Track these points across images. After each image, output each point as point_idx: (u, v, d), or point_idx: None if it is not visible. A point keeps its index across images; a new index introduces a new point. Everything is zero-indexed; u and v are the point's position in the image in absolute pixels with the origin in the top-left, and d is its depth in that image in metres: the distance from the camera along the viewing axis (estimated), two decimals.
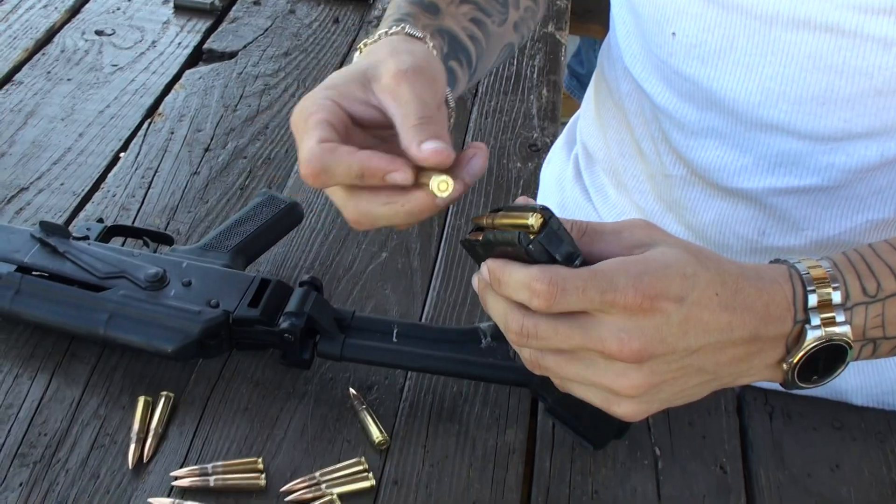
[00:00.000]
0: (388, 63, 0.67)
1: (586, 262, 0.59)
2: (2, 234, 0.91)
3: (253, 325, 0.83)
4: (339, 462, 0.79)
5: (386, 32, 0.73)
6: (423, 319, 0.95)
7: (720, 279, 0.59)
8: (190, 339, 0.82)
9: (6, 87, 1.25)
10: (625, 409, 0.61)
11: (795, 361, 0.62)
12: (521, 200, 0.62)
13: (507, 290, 0.59)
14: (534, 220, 0.57)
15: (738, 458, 0.84)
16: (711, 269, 0.59)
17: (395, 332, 0.85)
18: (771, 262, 0.65)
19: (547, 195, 1.06)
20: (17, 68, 1.29)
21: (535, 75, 1.34)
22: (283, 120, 1.22)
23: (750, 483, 0.82)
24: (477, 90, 1.30)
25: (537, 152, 1.18)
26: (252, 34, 1.39)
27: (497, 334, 0.85)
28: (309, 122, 0.64)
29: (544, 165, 1.11)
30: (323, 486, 0.77)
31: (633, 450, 0.83)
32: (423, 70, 0.67)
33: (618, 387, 0.59)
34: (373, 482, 0.78)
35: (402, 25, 0.74)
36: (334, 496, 0.76)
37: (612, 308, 0.56)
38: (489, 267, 0.60)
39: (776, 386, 0.88)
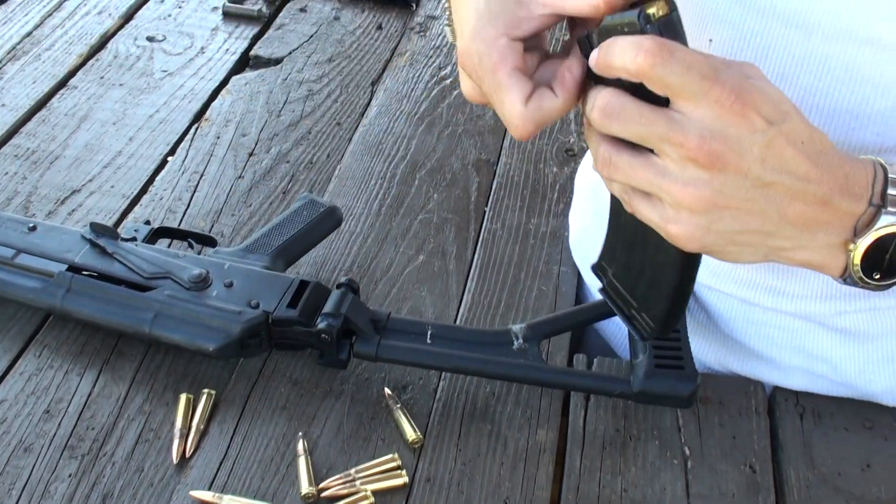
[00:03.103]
0: None
1: None
2: (54, 235, 0.95)
3: (291, 326, 0.86)
4: (373, 459, 0.82)
5: None
6: (457, 322, 0.97)
7: (810, 131, 0.60)
8: (231, 339, 0.85)
9: (61, 91, 1.30)
10: (681, 229, 0.62)
11: (863, 248, 0.63)
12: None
13: (612, 57, 0.59)
14: (657, 9, 0.58)
15: (768, 457, 0.84)
16: (805, 122, 0.60)
17: (429, 333, 0.87)
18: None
19: (580, 199, 1.08)
20: (72, 73, 1.33)
21: None
22: (326, 125, 1.25)
23: (780, 482, 0.83)
24: None
25: (574, 157, 1.20)
26: (297, 41, 1.42)
27: (529, 336, 0.87)
28: (499, 76, 0.64)
29: (579, 170, 1.12)
30: (358, 482, 0.79)
31: (663, 449, 0.84)
32: None
33: (683, 195, 0.60)
34: (406, 479, 0.80)
35: None
36: (368, 492, 0.78)
37: (706, 98, 0.57)
38: (598, 51, 0.60)
39: (807, 387, 0.90)
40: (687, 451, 0.85)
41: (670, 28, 0.58)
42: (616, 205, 0.72)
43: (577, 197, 1.10)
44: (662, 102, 0.59)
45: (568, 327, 0.92)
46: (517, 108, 0.64)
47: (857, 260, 0.63)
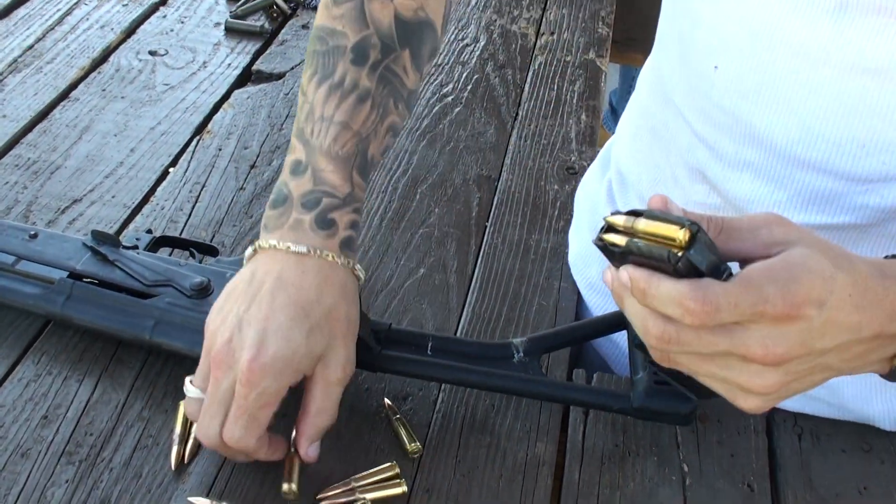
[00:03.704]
0: (335, 357, 0.79)
1: (730, 269, 0.60)
2: (56, 242, 0.95)
3: None
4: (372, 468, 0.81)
5: (312, 250, 0.79)
6: (458, 334, 0.97)
7: (852, 279, 0.61)
8: None
9: (63, 103, 1.30)
10: (751, 404, 0.64)
11: None
12: (658, 202, 0.62)
13: (655, 304, 0.59)
14: (682, 235, 0.57)
15: (766, 477, 0.84)
16: (845, 269, 0.60)
17: (430, 345, 0.87)
18: (886, 257, 0.67)
19: (580, 218, 1.08)
20: (73, 85, 1.34)
21: (574, 100, 1.36)
22: None
23: (777, 502, 0.83)
24: (517, 114, 1.33)
25: (574, 175, 1.20)
26: (299, 56, 1.43)
27: (530, 349, 0.87)
28: (260, 414, 0.75)
29: (579, 188, 1.13)
30: (356, 491, 0.79)
31: (662, 466, 0.84)
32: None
33: (751, 385, 0.62)
34: (405, 489, 0.80)
35: (327, 236, 0.81)
36: (367, 501, 0.78)
37: (760, 320, 0.58)
38: (631, 276, 0.59)
39: (805, 409, 0.90)
40: (685, 468, 0.85)
41: (701, 254, 0.58)
42: None
43: (577, 214, 1.10)
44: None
45: (569, 342, 0.92)
46: (261, 449, 0.78)
47: None
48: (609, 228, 0.61)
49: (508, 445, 0.85)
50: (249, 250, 0.81)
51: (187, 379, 0.79)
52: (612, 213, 0.60)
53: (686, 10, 0.83)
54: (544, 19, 1.57)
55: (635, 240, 0.58)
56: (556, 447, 0.86)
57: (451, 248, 1.08)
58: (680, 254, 0.57)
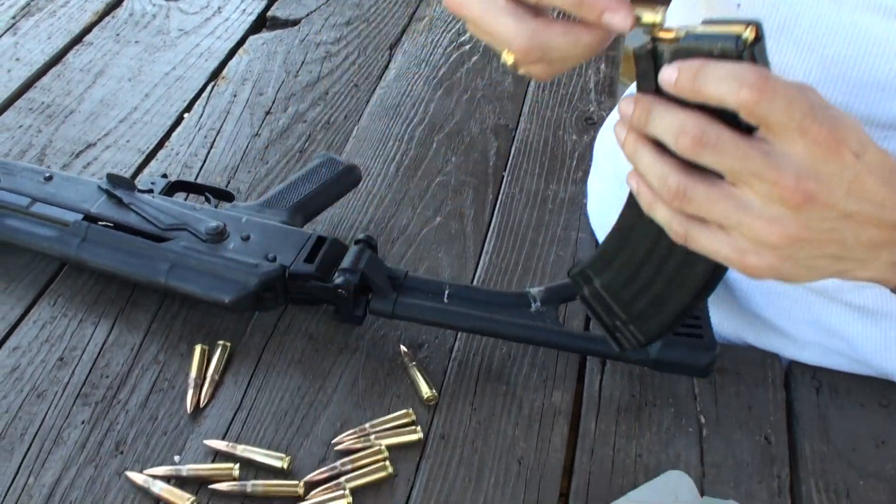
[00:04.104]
0: None
1: None
2: (70, 185, 0.94)
3: (308, 280, 0.86)
4: (388, 414, 0.81)
5: None
6: (474, 283, 0.96)
7: (882, 157, 0.59)
8: (247, 291, 0.84)
9: (76, 47, 1.29)
10: (760, 261, 0.60)
11: None
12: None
13: (706, 85, 0.56)
14: (748, 33, 0.54)
15: (784, 429, 0.84)
16: (876, 145, 0.59)
17: (446, 293, 0.86)
18: None
19: (599, 167, 1.07)
20: (87, 30, 1.32)
21: None
22: (343, 87, 1.24)
23: (794, 454, 0.82)
24: None
25: (593, 125, 1.19)
26: (315, 3, 1.41)
27: (546, 299, 0.87)
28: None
29: (598, 137, 1.11)
30: (372, 437, 0.79)
31: (678, 416, 0.84)
32: None
33: (766, 233, 0.58)
34: (420, 435, 0.80)
35: None
36: (383, 447, 0.78)
37: (804, 137, 0.56)
38: (681, 67, 0.56)
39: (823, 362, 0.89)
40: (702, 420, 0.84)
41: (763, 55, 0.55)
42: (628, 222, 0.68)
43: (595, 164, 1.09)
44: (746, 129, 0.57)
45: None
46: (512, 25, 0.62)
47: None
48: (651, 41, 0.57)
49: (524, 394, 0.85)
50: None
51: None
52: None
53: None
54: None
55: (694, 31, 0.55)
56: (572, 397, 0.85)
57: (468, 197, 1.07)
58: (752, 40, 0.54)
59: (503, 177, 1.11)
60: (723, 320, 0.94)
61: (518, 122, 1.20)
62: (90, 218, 0.91)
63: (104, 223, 0.91)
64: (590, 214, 1.05)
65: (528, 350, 0.88)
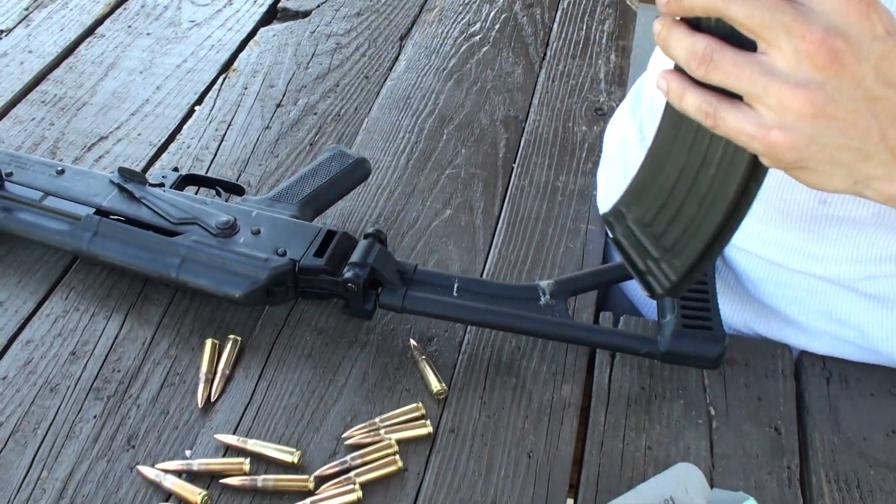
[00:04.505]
0: None
1: None
2: (82, 179, 0.95)
3: (318, 274, 0.86)
4: (398, 409, 0.82)
5: None
6: (483, 276, 0.96)
7: None
8: (257, 285, 0.85)
9: (88, 39, 1.29)
10: (785, 136, 0.59)
11: None
12: None
13: None
14: None
15: (794, 420, 0.84)
16: None
17: (455, 286, 0.87)
18: None
19: (610, 159, 1.07)
20: (99, 21, 1.33)
21: (603, 40, 1.34)
22: (354, 78, 1.24)
23: (804, 445, 0.82)
24: (545, 53, 1.31)
25: (603, 116, 1.18)
26: None
27: (556, 292, 0.87)
28: None
29: (608, 129, 1.11)
30: (382, 431, 0.79)
31: (688, 408, 0.84)
32: None
33: (794, 98, 0.57)
34: (430, 429, 0.80)
35: None
36: (392, 441, 0.78)
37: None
38: None
39: (834, 352, 0.89)
40: (712, 411, 0.84)
41: None
42: (660, 145, 0.68)
43: (605, 155, 1.09)
44: None
45: (595, 285, 0.91)
46: None
47: None
48: None
49: (534, 387, 0.85)
50: None
51: None
52: None
53: None
54: None
55: None
56: (581, 389, 0.85)
57: (478, 190, 1.07)
58: None
59: (513, 168, 1.10)
60: (733, 311, 0.94)
61: (528, 113, 1.20)
62: (102, 212, 0.91)
63: (116, 217, 0.91)
64: (599, 206, 1.05)
65: (538, 343, 0.89)
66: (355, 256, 0.86)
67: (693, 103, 0.61)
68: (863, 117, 0.58)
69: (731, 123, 0.60)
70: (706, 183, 0.66)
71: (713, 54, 0.59)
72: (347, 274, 0.85)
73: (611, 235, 0.74)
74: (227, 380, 0.84)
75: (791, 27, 0.56)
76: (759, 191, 0.65)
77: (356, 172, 0.99)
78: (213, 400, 0.82)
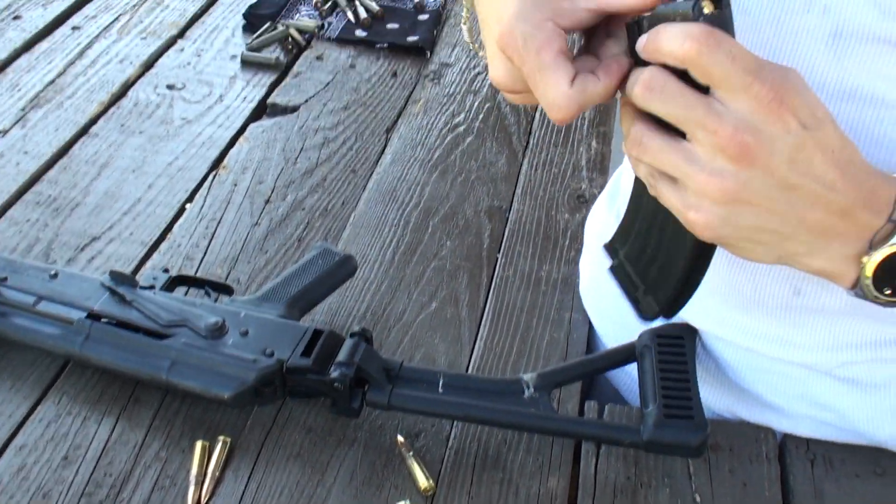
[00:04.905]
0: None
1: None
2: (75, 283, 0.97)
3: (305, 374, 0.88)
4: None
5: None
6: (470, 369, 0.98)
7: (843, 142, 0.62)
8: (246, 387, 0.86)
9: (83, 138, 1.32)
10: (701, 217, 0.63)
11: (877, 261, 0.64)
12: None
13: (662, 39, 0.60)
14: (710, 2, 0.59)
15: None
16: (839, 132, 0.62)
17: (441, 382, 0.88)
18: None
19: (590, 248, 1.09)
20: (93, 120, 1.36)
21: (584, 127, 1.37)
22: (341, 172, 1.27)
23: None
24: (528, 142, 1.34)
25: (585, 203, 1.21)
26: (314, 88, 1.45)
27: (540, 385, 0.88)
28: (544, 56, 0.64)
29: (588, 218, 1.14)
30: None
31: (674, 497, 0.85)
32: None
33: (707, 184, 0.61)
34: None
35: None
36: None
37: (746, 92, 0.58)
38: (650, 34, 0.61)
39: (816, 434, 0.90)
40: (698, 499, 0.85)
41: (721, 23, 0.60)
42: (639, 188, 0.74)
43: (586, 245, 1.11)
44: (704, 91, 0.60)
45: (579, 376, 0.93)
46: (562, 89, 0.64)
47: (869, 273, 0.65)
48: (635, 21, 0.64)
49: (521, 480, 0.86)
50: None
51: None
52: None
53: None
54: None
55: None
56: (568, 481, 0.87)
57: (463, 281, 1.09)
58: (704, 6, 0.59)
59: (497, 259, 1.13)
60: (715, 397, 0.95)
61: (512, 203, 1.22)
62: (93, 315, 0.93)
63: (107, 320, 0.93)
64: (582, 294, 1.07)
65: (524, 435, 0.90)
66: (342, 356, 0.87)
67: (642, 172, 0.67)
68: (779, 203, 0.62)
69: (665, 196, 0.66)
70: (671, 231, 0.71)
71: (642, 139, 0.64)
72: (334, 373, 0.86)
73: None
74: (218, 482, 0.85)
75: (703, 123, 0.60)
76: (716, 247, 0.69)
77: (342, 270, 1.01)
78: (203, 503, 0.83)
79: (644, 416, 0.86)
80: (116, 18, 1.62)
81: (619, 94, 0.67)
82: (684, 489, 0.86)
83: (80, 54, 1.52)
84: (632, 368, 1.01)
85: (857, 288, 0.66)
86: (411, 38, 1.55)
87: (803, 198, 0.62)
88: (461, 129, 1.36)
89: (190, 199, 1.22)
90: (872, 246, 0.64)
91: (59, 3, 1.65)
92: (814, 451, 0.90)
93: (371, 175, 1.27)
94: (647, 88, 0.62)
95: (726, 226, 0.63)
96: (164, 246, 1.13)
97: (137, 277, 0.98)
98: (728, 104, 0.59)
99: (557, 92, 0.65)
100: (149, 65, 1.50)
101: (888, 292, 0.65)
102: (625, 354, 0.92)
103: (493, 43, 0.69)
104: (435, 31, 1.59)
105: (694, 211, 0.63)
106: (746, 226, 0.63)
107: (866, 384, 0.89)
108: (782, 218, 0.63)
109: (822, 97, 0.73)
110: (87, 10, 1.64)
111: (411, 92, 1.45)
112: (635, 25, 0.65)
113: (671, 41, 0.60)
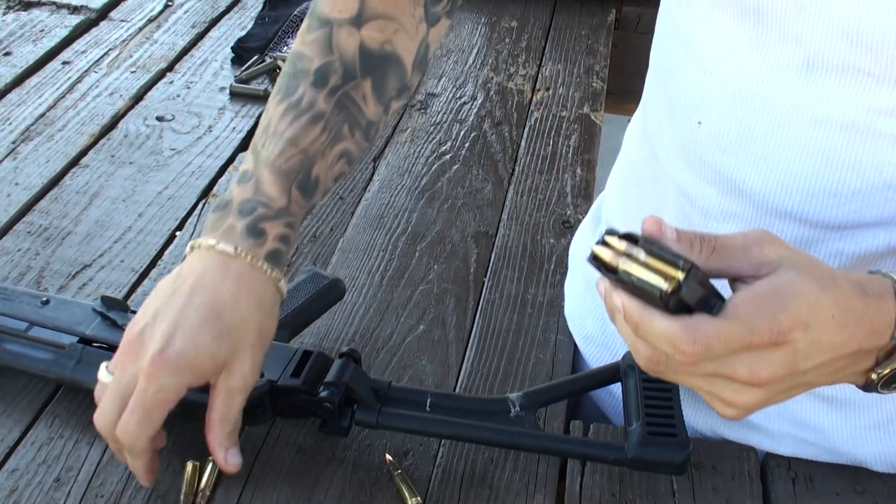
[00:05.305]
0: (240, 366, 0.81)
1: (720, 297, 0.63)
2: (67, 308, 0.98)
3: (295, 394, 0.89)
4: None
5: (239, 252, 0.82)
6: (457, 389, 0.99)
7: (835, 299, 0.64)
8: None
9: (73, 170, 1.34)
10: (731, 413, 0.67)
11: (884, 373, 0.68)
12: (652, 225, 0.63)
13: (647, 337, 0.62)
14: (676, 273, 0.59)
15: None
16: (829, 289, 0.64)
17: (429, 402, 0.90)
18: (869, 271, 0.69)
19: (575, 271, 1.11)
20: (83, 152, 1.38)
21: (570, 154, 1.40)
22: (329, 200, 1.29)
23: None
24: (514, 170, 1.36)
25: (570, 228, 1.23)
26: None
27: (526, 404, 0.90)
28: (156, 412, 0.78)
29: (573, 242, 1.16)
30: None
31: None
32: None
33: (733, 401, 0.65)
34: None
35: (255, 244, 0.84)
36: None
37: (749, 351, 0.61)
38: (625, 305, 0.62)
39: (797, 453, 0.92)
40: None
41: (693, 293, 0.60)
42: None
43: (571, 268, 1.13)
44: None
45: (564, 395, 0.95)
46: (145, 459, 0.82)
47: (879, 383, 0.69)
48: (603, 242, 0.62)
49: (508, 498, 0.88)
50: (188, 248, 0.85)
51: (103, 364, 0.83)
52: (608, 232, 0.62)
53: (671, 68, 0.87)
54: (540, 75, 1.62)
55: (629, 271, 0.60)
56: (553, 499, 0.88)
57: (450, 305, 1.11)
58: (671, 291, 0.59)
59: (484, 282, 1.15)
60: (698, 416, 0.97)
61: (498, 229, 1.24)
62: (85, 340, 0.95)
63: (99, 345, 0.94)
64: (567, 317, 1.09)
65: (511, 454, 0.91)
66: (330, 376, 0.89)
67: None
68: (802, 380, 0.66)
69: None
70: None
71: (659, 362, 0.65)
72: (323, 393, 0.88)
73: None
74: (208, 501, 0.86)
75: (718, 372, 0.64)
76: None
77: (331, 293, 1.02)
78: None
79: (628, 434, 0.88)
80: (106, 53, 1.65)
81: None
82: None
83: (71, 88, 1.54)
84: (617, 390, 1.02)
85: (868, 388, 0.70)
86: None
87: (820, 367, 0.65)
88: (447, 157, 1.39)
89: (180, 226, 1.23)
90: (878, 362, 0.68)
91: (49, 40, 1.67)
92: (795, 469, 0.92)
93: (359, 202, 1.29)
94: (651, 362, 0.65)
95: (755, 411, 0.67)
96: (154, 272, 1.15)
97: (129, 302, 1.00)
98: (738, 360, 0.62)
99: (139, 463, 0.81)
100: (138, 97, 1.52)
101: (893, 386, 0.69)
102: (609, 374, 0.94)
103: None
104: None
105: (723, 409, 0.67)
106: (774, 401, 0.67)
107: (845, 402, 0.90)
108: (805, 385, 0.67)
109: (796, 123, 0.76)
110: (77, 45, 1.67)
111: (398, 121, 1.48)
112: (598, 265, 0.62)
113: (660, 345, 0.62)
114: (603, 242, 0.61)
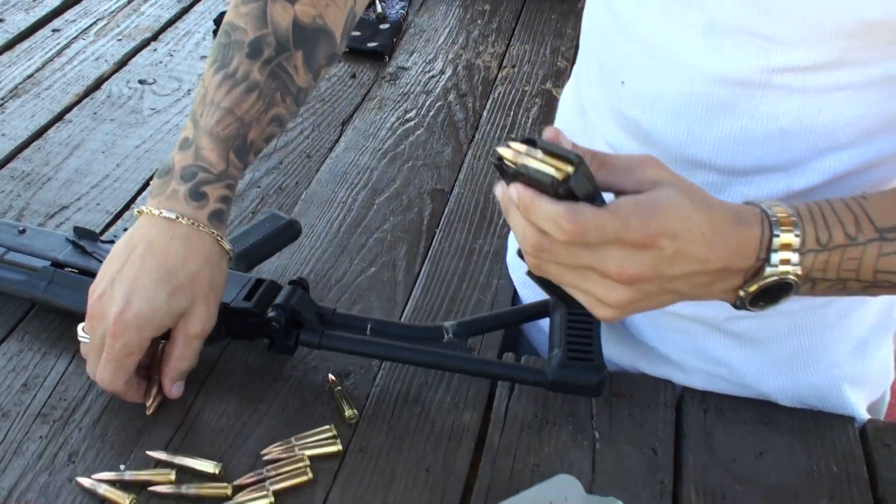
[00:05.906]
0: (196, 315, 0.90)
1: (603, 199, 0.69)
2: (41, 237, 1.06)
3: (246, 316, 0.97)
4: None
5: (182, 217, 0.90)
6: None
7: (708, 220, 0.71)
8: None
9: (57, 124, 1.42)
10: (604, 313, 0.74)
11: (751, 290, 0.74)
12: (551, 134, 0.70)
13: (534, 218, 0.68)
14: (566, 167, 0.65)
15: (671, 444, 0.93)
16: (703, 211, 0.71)
17: (369, 327, 0.97)
18: (746, 202, 0.76)
19: None
20: (68, 109, 1.46)
21: (528, 124, 1.48)
22: (297, 157, 1.37)
23: (679, 464, 0.92)
24: (474, 136, 1.44)
25: None
26: None
27: (458, 332, 0.98)
28: (125, 361, 0.88)
29: None
30: (296, 448, 0.89)
31: (576, 433, 0.94)
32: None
33: (605, 298, 0.72)
34: (340, 447, 0.90)
35: (200, 206, 0.91)
36: (305, 456, 0.88)
37: (620, 245, 0.68)
38: (519, 193, 0.67)
39: (711, 387, 1.00)
40: (597, 435, 0.94)
41: (579, 185, 0.66)
42: None
43: None
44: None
45: (496, 326, 1.02)
46: (121, 384, 0.91)
47: (747, 300, 0.76)
48: (506, 146, 0.68)
49: (437, 415, 0.95)
50: (135, 212, 0.93)
51: (80, 325, 0.92)
52: (509, 139, 0.69)
53: (601, 34, 0.95)
54: (507, 54, 1.70)
55: (526, 164, 0.67)
56: (480, 417, 0.95)
57: (402, 251, 1.19)
58: (562, 179, 0.66)
59: (435, 233, 1.22)
60: (620, 351, 1.05)
61: (453, 187, 1.32)
62: (57, 264, 1.02)
63: (70, 269, 1.02)
64: (509, 264, 1.17)
65: (444, 377, 0.99)
66: (279, 299, 0.96)
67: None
68: (670, 287, 0.73)
69: (568, 289, 0.77)
70: None
71: (542, 251, 0.72)
72: (271, 314, 0.95)
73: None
74: (161, 404, 0.93)
75: (591, 265, 0.71)
76: None
77: (288, 232, 1.10)
78: (148, 420, 0.92)
79: (549, 359, 0.95)
80: (95, 22, 1.73)
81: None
82: (586, 427, 0.95)
83: (59, 53, 1.62)
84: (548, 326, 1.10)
85: (736, 306, 0.77)
86: (371, 45, 1.65)
87: (687, 277, 0.72)
88: (412, 123, 1.47)
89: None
90: (746, 281, 0.75)
91: (41, 8, 1.75)
92: (708, 402, 0.99)
93: (325, 160, 1.37)
94: (536, 249, 0.70)
95: (627, 313, 0.74)
96: (127, 214, 1.23)
97: (101, 237, 1.07)
98: (609, 254, 0.69)
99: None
100: (123, 63, 1.60)
101: (761, 304, 0.76)
102: (538, 309, 1.02)
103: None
104: (395, 39, 1.70)
105: (597, 309, 0.74)
106: (645, 306, 0.74)
107: (752, 339, 0.98)
108: (673, 293, 0.74)
109: (700, 80, 0.84)
110: (68, 14, 1.75)
111: (368, 91, 1.56)
112: (499, 166, 0.69)
113: (544, 224, 0.68)
114: (506, 145, 0.68)
